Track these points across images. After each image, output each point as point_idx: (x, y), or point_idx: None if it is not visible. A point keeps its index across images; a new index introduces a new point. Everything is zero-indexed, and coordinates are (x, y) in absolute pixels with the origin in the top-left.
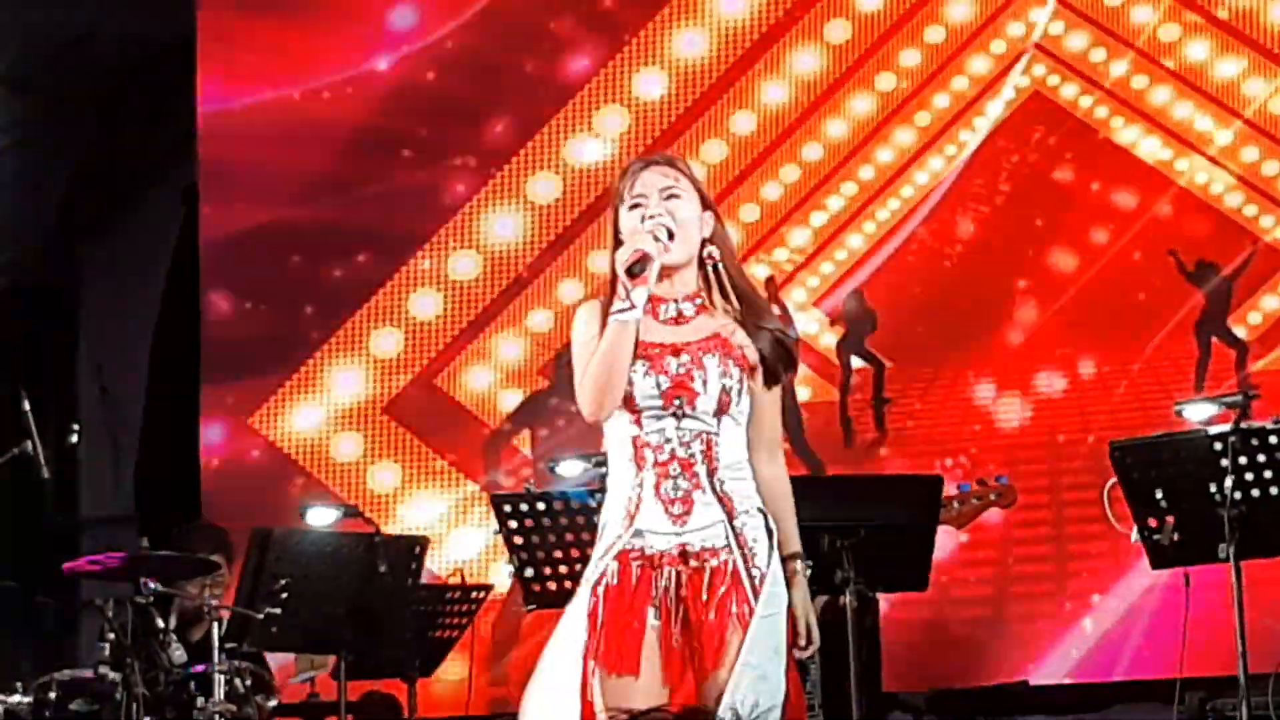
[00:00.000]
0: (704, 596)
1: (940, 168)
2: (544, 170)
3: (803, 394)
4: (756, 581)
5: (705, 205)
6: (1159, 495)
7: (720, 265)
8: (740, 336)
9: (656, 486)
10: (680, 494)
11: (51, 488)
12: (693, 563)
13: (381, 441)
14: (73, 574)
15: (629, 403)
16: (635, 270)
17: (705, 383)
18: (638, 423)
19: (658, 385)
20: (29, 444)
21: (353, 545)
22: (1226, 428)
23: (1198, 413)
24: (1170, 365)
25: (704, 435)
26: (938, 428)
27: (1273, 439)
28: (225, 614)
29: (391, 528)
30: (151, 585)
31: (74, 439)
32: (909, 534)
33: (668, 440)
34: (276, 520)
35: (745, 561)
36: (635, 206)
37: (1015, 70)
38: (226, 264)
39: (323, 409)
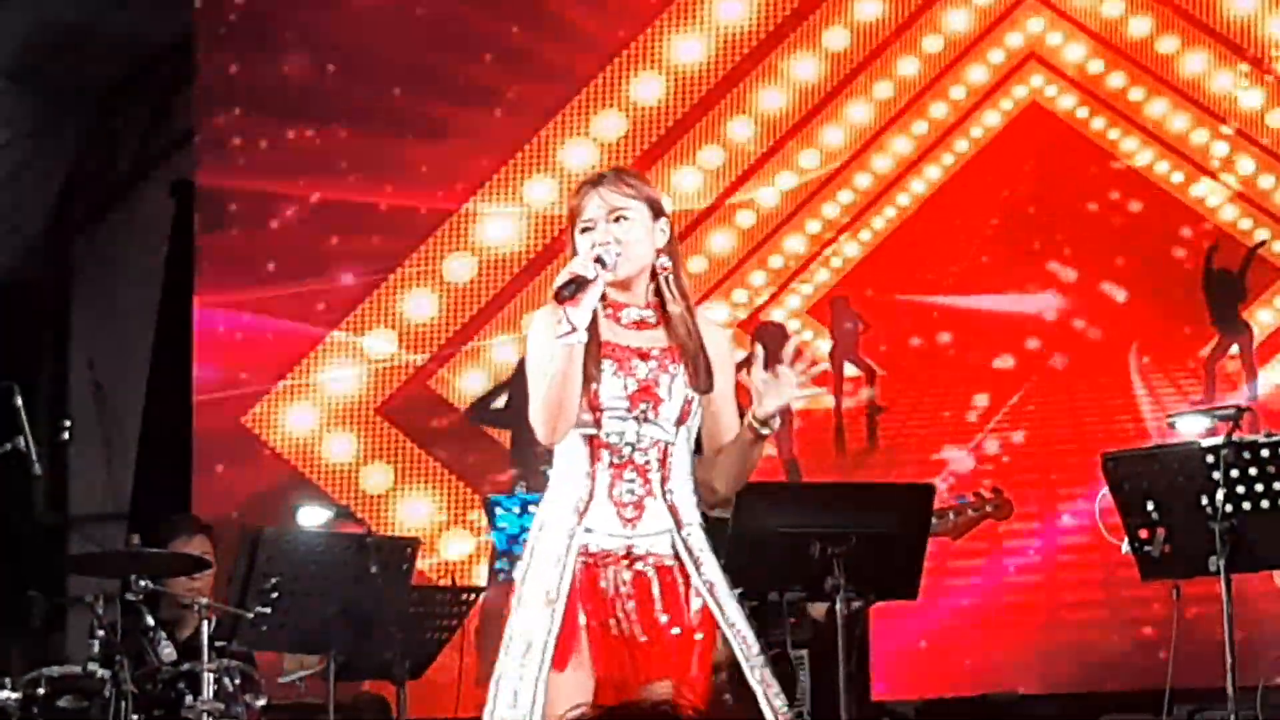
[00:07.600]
0: (655, 605)
1: (937, 177)
2: (540, 174)
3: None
4: (705, 591)
5: (658, 214)
6: (1150, 507)
7: (670, 277)
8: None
9: (610, 487)
10: (634, 498)
11: (42, 484)
12: (638, 565)
13: (374, 443)
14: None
15: (593, 401)
16: (564, 294)
17: (670, 390)
18: (597, 422)
19: (625, 387)
20: (21, 440)
21: (344, 546)
22: (1219, 440)
23: (1191, 425)
24: (1165, 377)
25: (661, 443)
26: (930, 438)
27: (1265, 452)
28: (214, 613)
29: (383, 529)
30: (142, 582)
31: (65, 436)
32: (900, 542)
33: (628, 443)
34: (268, 520)
35: (697, 570)
36: (586, 230)
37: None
38: (220, 263)
39: (316, 410)
